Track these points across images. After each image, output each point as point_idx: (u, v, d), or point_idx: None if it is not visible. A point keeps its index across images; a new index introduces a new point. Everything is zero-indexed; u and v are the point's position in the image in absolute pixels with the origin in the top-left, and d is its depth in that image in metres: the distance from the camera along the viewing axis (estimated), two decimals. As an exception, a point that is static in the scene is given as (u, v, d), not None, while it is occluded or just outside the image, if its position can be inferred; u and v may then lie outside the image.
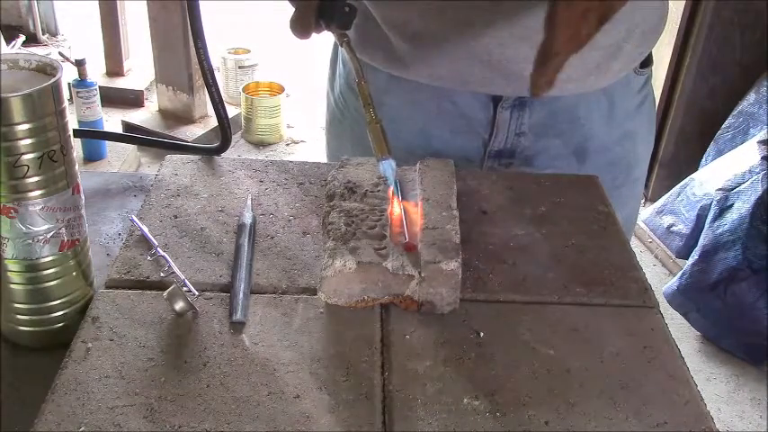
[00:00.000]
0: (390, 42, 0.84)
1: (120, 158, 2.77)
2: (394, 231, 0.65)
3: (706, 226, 2.14)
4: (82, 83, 2.61)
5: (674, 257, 2.39)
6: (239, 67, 3.28)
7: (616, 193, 0.83)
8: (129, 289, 0.63)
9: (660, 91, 2.56)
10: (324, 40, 0.95)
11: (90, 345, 0.57)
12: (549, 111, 0.86)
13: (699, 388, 0.57)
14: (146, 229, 0.69)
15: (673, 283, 2.19)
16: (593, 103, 0.87)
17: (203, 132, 2.97)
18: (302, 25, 0.70)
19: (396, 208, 0.67)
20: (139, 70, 3.36)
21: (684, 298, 2.16)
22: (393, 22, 0.82)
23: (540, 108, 0.86)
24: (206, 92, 0.79)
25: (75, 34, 3.83)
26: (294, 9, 0.70)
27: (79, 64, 2.59)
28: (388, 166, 0.65)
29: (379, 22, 0.83)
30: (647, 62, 0.90)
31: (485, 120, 0.87)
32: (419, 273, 0.61)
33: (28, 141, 0.52)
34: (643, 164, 0.99)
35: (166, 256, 0.66)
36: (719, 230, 2.09)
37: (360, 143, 0.95)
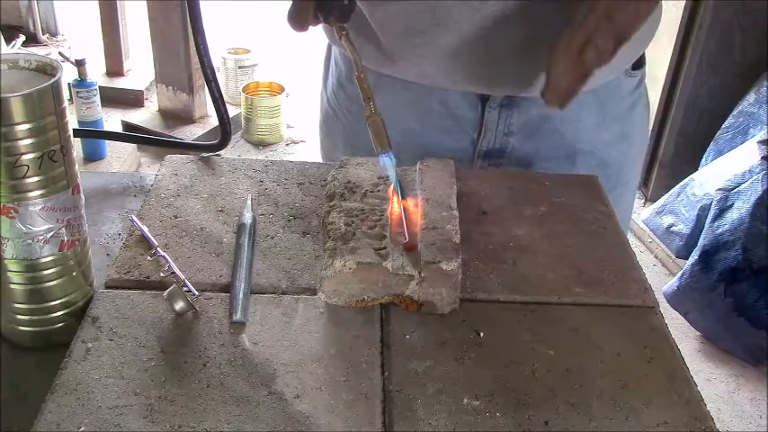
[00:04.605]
0: (379, 39, 0.83)
1: (120, 158, 2.77)
2: (394, 231, 0.65)
3: (706, 226, 2.14)
4: (82, 83, 2.61)
5: (674, 257, 2.39)
6: (239, 67, 3.28)
7: (609, 194, 0.83)
8: (129, 289, 0.63)
9: (660, 91, 2.56)
10: (323, 40, 0.95)
11: (90, 345, 0.57)
12: (538, 111, 0.86)
13: (699, 388, 0.57)
14: (146, 229, 0.69)
15: (673, 283, 2.19)
16: (583, 105, 0.86)
17: (203, 132, 2.97)
18: (300, 18, 0.70)
19: (396, 207, 0.67)
20: (139, 70, 3.36)
21: (684, 298, 2.16)
22: (382, 19, 0.82)
23: (529, 109, 0.86)
24: (206, 92, 0.79)
25: (75, 34, 3.83)
26: (292, 2, 0.70)
27: (79, 64, 2.59)
28: (387, 160, 0.65)
29: (367, 18, 0.82)
30: (639, 64, 0.90)
31: (473, 119, 0.87)
32: (419, 273, 0.61)
33: (28, 141, 0.52)
34: (636, 166, 0.99)
35: (166, 256, 0.66)
36: (719, 230, 2.09)
37: (351, 142, 0.95)
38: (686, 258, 2.22)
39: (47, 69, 0.56)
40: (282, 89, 3.19)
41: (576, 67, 0.67)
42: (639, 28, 0.69)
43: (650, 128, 1.04)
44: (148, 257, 0.67)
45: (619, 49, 0.67)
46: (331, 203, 0.69)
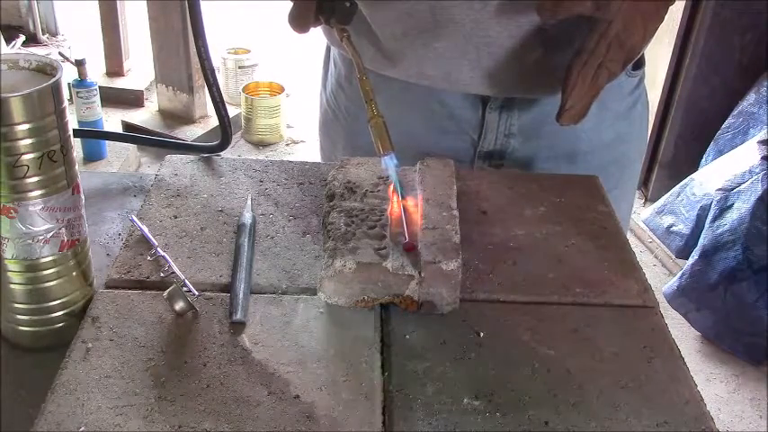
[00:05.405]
0: (379, 40, 0.83)
1: (120, 158, 2.77)
2: (394, 231, 0.65)
3: (706, 226, 2.14)
4: (82, 83, 2.61)
5: (674, 257, 2.39)
6: (239, 67, 3.28)
7: (609, 194, 0.83)
8: (129, 289, 0.63)
9: (660, 91, 2.56)
10: (322, 40, 0.95)
11: (90, 345, 0.57)
12: (538, 112, 0.86)
13: (699, 388, 0.57)
14: (146, 229, 0.69)
15: (673, 283, 2.19)
16: None
17: (203, 132, 2.97)
18: (301, 20, 0.70)
19: (396, 206, 0.67)
20: (139, 70, 3.36)
21: (684, 298, 2.16)
22: (382, 20, 0.82)
23: (529, 110, 0.86)
24: (206, 92, 0.79)
25: (75, 34, 3.83)
26: (293, 3, 0.70)
27: (79, 64, 2.60)
28: (390, 162, 0.65)
29: (367, 19, 0.82)
30: (639, 64, 0.90)
31: (474, 120, 0.87)
32: (419, 273, 0.61)
33: (28, 141, 0.52)
34: (636, 165, 0.99)
35: (166, 256, 0.66)
36: (719, 230, 2.09)
37: (351, 142, 0.95)
38: (686, 258, 2.22)
39: (47, 69, 0.56)
40: (282, 89, 3.19)
41: (590, 90, 0.70)
42: (647, 47, 0.71)
43: (650, 128, 1.04)
44: (148, 257, 0.67)
45: (627, 66, 0.69)
46: (331, 203, 0.69)
